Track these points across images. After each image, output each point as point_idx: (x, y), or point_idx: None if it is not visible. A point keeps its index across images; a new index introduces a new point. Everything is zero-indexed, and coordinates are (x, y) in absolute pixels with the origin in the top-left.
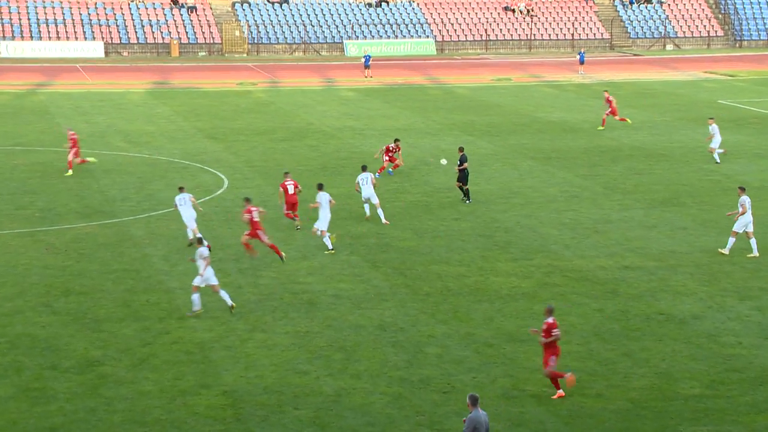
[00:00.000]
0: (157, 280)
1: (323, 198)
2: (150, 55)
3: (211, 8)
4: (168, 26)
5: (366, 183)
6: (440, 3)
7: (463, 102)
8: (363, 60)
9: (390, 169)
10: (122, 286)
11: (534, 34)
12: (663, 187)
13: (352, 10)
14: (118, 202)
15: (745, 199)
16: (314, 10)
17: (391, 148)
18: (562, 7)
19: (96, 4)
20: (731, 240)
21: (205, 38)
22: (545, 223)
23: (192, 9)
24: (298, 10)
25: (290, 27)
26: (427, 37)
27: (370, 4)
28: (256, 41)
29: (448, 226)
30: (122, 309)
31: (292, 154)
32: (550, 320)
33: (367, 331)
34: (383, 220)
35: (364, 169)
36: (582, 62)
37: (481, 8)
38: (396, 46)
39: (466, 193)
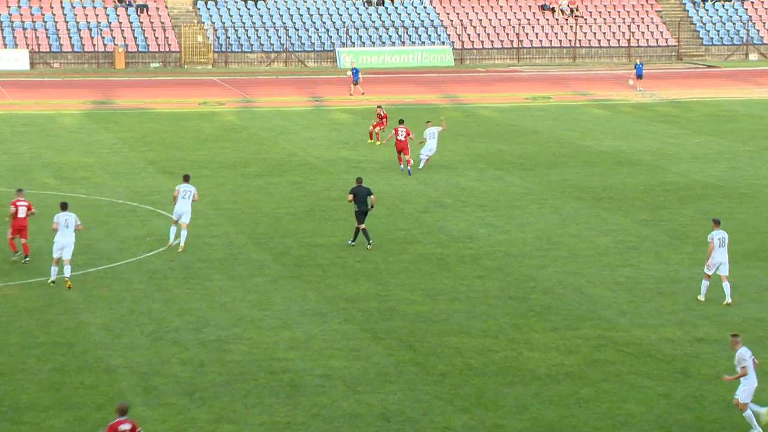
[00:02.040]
0: (95, 357)
1: (62, 219)
2: (88, 67)
3: (166, 7)
4: (111, 30)
5: (186, 197)
6: (459, 0)
7: (488, 127)
8: (350, 74)
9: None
10: (50, 364)
11: (579, 40)
12: (746, 237)
13: (347, 9)
14: (45, 255)
15: (714, 234)
16: (298, 10)
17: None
18: (615, 6)
19: (19, 1)
20: (704, 283)
21: (158, 45)
22: (595, 283)
23: (142, 8)
24: (278, 9)
25: (268, 31)
26: (443, 43)
27: (369, 2)
28: (224, 49)
29: (469, 286)
30: (50, 394)
31: (269, 194)
32: (118, 421)
33: (366, 422)
34: (180, 245)
35: (186, 179)
36: (640, 76)
37: (511, 7)
38: (403, 55)
39: (363, 234)
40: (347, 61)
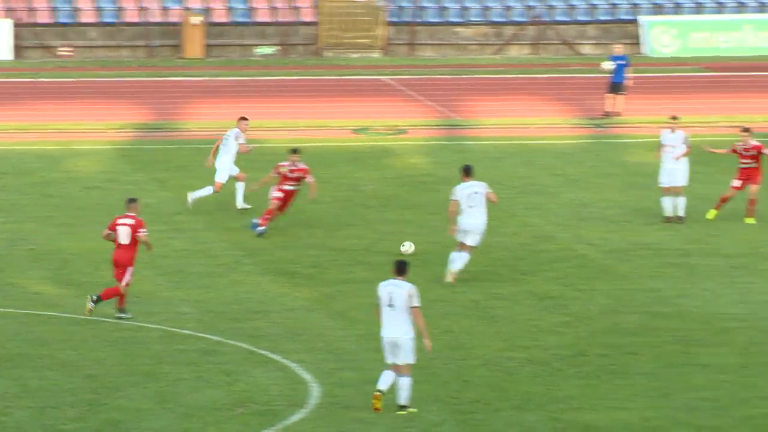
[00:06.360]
0: None
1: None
2: (130, 56)
3: None
4: None
5: (474, 204)
6: None
7: None
8: (608, 66)
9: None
10: None
11: None
12: None
13: None
14: None
15: None
16: None
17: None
18: None
19: None
20: None
21: (272, 12)
22: None
23: None
24: None
25: None
26: None
27: None
28: (407, 18)
29: None
30: None
31: (490, 319)
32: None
33: None
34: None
35: (467, 172)
36: None
37: None
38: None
39: None
40: (664, 42)
